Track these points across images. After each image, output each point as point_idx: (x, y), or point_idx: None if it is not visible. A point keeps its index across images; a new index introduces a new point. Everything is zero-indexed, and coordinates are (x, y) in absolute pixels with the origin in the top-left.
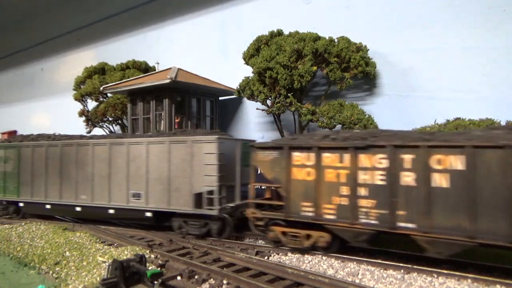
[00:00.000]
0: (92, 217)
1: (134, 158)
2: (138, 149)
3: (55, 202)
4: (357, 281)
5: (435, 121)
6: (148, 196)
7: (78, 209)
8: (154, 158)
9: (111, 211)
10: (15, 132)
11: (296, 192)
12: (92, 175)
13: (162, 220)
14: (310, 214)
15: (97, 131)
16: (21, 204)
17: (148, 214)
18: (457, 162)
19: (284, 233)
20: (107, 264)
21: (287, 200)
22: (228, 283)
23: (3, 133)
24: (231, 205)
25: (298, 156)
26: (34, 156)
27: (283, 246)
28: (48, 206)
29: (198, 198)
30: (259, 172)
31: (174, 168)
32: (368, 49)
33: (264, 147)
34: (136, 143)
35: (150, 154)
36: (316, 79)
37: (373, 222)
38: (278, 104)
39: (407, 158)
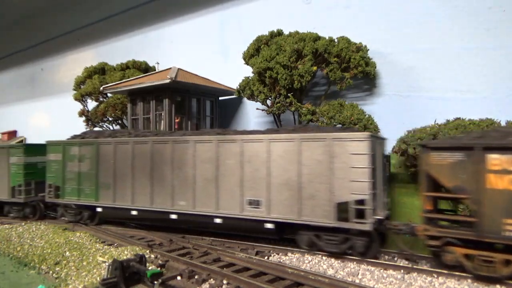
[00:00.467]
0: (192, 226)
1: (250, 159)
2: (255, 148)
3: (144, 208)
4: (357, 281)
5: (435, 121)
6: (270, 205)
7: (173, 216)
8: (278, 158)
9: (218, 221)
10: (15, 132)
11: (495, 205)
12: (194, 178)
13: (285, 233)
14: None
15: None
16: (99, 209)
17: (269, 226)
18: None
19: (468, 256)
20: (107, 264)
21: (479, 216)
22: (228, 283)
23: (3, 133)
24: (379, 217)
25: (497, 159)
26: (117, 154)
27: (465, 272)
28: (134, 212)
29: (342, 209)
30: None
31: (307, 171)
32: (368, 49)
33: (442, 147)
34: (253, 140)
35: (272, 153)
36: (316, 79)
37: None
38: (278, 104)
39: None
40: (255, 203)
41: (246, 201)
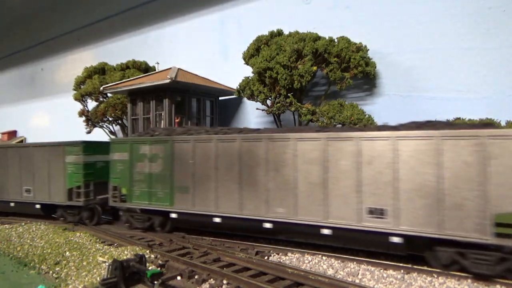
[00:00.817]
0: (292, 237)
1: (370, 159)
2: (377, 147)
3: (231, 215)
4: (357, 281)
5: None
6: (398, 215)
7: (267, 225)
8: (409, 159)
9: (326, 231)
10: (15, 132)
11: None
12: (295, 182)
13: (413, 249)
14: None
15: (97, 131)
16: (173, 215)
17: (396, 240)
18: None
19: None
20: (107, 264)
21: None
22: (228, 283)
23: (3, 133)
24: None
25: None
26: (196, 153)
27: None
28: (217, 220)
29: (506, 223)
30: None
31: (450, 176)
32: (368, 49)
33: None
34: (374, 138)
35: (401, 154)
36: (316, 79)
37: None
38: (278, 104)
39: None
40: (377, 212)
41: (365, 209)
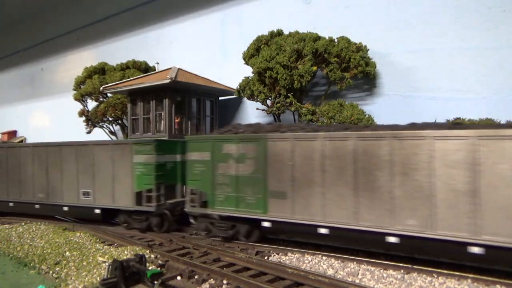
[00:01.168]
0: (427, 256)
1: None
2: None
3: (343, 225)
4: (357, 281)
5: (435, 121)
6: None
7: (392, 239)
8: None
9: (476, 250)
10: (15, 132)
11: None
12: (431, 188)
13: None
14: None
15: (97, 131)
16: (266, 224)
17: None
18: None
19: None
20: (107, 264)
21: None
22: (228, 283)
23: (3, 133)
24: None
25: None
26: (296, 154)
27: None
28: (324, 231)
29: None
30: None
31: None
32: (368, 49)
33: None
34: None
35: None
36: (316, 79)
37: None
38: (278, 104)
39: None
40: None
41: None
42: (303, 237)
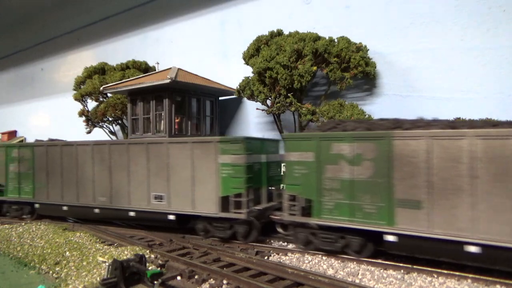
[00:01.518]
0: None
1: None
2: None
3: (505, 245)
4: (357, 281)
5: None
6: None
7: (472, 249)
8: None
9: None
10: (15, 132)
11: None
12: None
13: None
14: None
15: (97, 131)
16: (390, 238)
17: None
18: None
19: None
20: (107, 264)
21: None
22: (228, 283)
23: (3, 133)
24: None
25: None
26: (433, 155)
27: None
28: (473, 249)
29: None
30: None
31: None
32: (368, 49)
33: None
34: None
35: None
36: (316, 79)
37: None
38: (278, 104)
39: None
40: None
41: None
42: (441, 256)
